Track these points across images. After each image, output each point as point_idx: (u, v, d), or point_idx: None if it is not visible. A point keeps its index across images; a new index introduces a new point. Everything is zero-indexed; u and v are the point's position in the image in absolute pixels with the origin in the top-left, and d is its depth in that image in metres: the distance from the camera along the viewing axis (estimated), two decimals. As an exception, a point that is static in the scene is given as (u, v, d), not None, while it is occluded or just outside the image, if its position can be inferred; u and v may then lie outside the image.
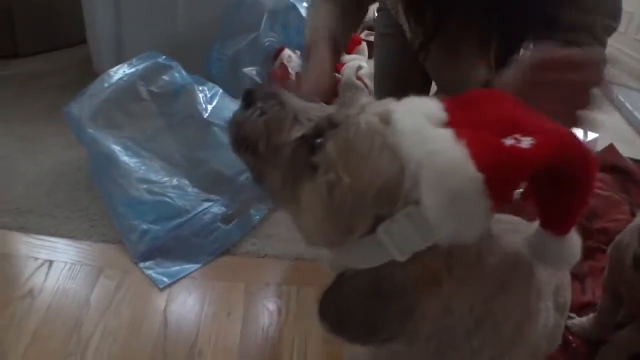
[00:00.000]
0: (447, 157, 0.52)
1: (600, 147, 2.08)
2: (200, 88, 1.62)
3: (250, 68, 1.95)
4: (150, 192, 1.43)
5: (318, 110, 0.64)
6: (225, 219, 1.47)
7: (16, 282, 1.26)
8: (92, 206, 1.51)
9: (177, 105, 1.58)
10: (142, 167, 1.47)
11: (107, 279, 1.30)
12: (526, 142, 0.52)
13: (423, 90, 1.51)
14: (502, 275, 0.65)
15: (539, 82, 0.75)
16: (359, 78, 1.98)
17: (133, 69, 1.60)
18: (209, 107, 1.58)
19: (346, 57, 2.13)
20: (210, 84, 1.67)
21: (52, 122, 1.84)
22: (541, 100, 0.66)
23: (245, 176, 1.51)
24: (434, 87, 1.61)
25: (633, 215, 1.77)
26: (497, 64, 1.21)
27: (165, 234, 1.38)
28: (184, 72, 1.63)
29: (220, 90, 1.67)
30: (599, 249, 1.54)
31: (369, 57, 2.15)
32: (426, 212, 0.52)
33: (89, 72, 2.05)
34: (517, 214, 0.85)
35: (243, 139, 0.65)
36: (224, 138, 1.51)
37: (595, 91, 0.79)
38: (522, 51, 1.11)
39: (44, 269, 1.31)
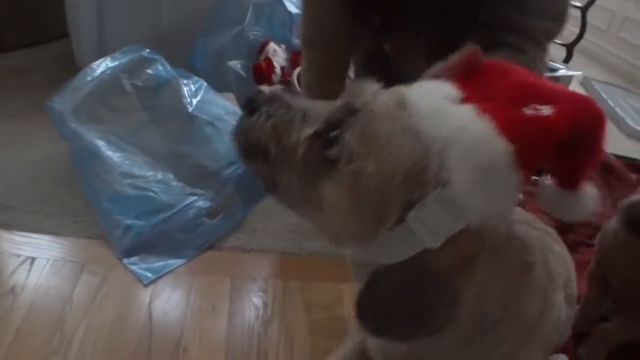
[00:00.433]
0: (474, 132, 0.51)
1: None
2: (185, 82, 1.61)
3: (235, 62, 1.93)
4: (134, 186, 1.41)
5: (326, 106, 0.62)
6: (211, 213, 1.46)
7: (-2, 279, 1.24)
8: (75, 202, 1.49)
9: (161, 99, 1.57)
10: (126, 162, 1.46)
11: (91, 275, 1.28)
12: (546, 110, 0.53)
13: None
14: (526, 259, 0.65)
15: None
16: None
17: (116, 63, 1.58)
18: (194, 101, 1.57)
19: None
20: (195, 78, 1.66)
21: (34, 117, 1.81)
22: None
23: (231, 170, 1.50)
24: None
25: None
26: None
27: (150, 229, 1.37)
28: (168, 66, 1.62)
29: (205, 84, 1.66)
30: (583, 243, 1.55)
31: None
32: (457, 192, 0.51)
33: (71, 67, 2.02)
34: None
35: (252, 146, 0.62)
36: (209, 132, 1.51)
37: None
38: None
39: (26, 265, 1.29)
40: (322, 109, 0.61)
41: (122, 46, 1.66)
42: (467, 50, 0.62)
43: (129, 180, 1.42)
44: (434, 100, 0.55)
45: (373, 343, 0.82)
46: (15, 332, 1.12)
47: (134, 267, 1.31)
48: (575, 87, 2.90)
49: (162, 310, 1.22)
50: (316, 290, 1.32)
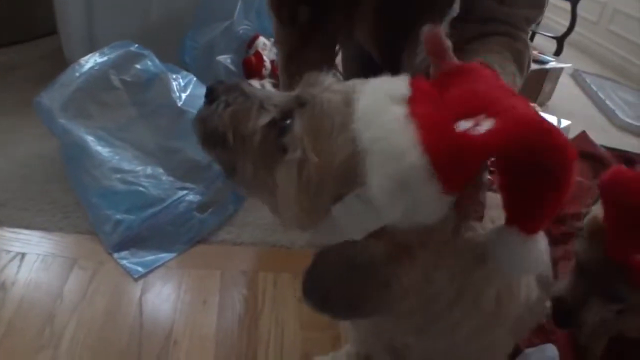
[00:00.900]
0: (390, 142, 0.52)
1: (572, 134, 2.11)
2: (174, 76, 1.60)
3: (224, 56, 1.93)
4: (123, 181, 1.41)
5: (282, 96, 0.64)
6: (201, 207, 1.46)
7: (-12, 275, 1.24)
8: (65, 198, 1.49)
9: (151, 94, 1.56)
10: (115, 157, 1.45)
11: (81, 270, 1.28)
12: (484, 126, 0.51)
13: None
14: (483, 249, 0.65)
15: None
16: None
17: (105, 58, 1.58)
18: (183, 96, 1.57)
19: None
20: (184, 72, 1.66)
21: (23, 114, 1.80)
22: None
23: (220, 165, 1.50)
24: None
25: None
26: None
27: (140, 224, 1.36)
28: (157, 61, 1.61)
29: (194, 79, 1.65)
30: (572, 234, 1.56)
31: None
32: (373, 194, 0.52)
33: (61, 63, 2.01)
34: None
35: (211, 133, 0.65)
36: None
37: None
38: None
39: (17, 261, 1.29)
40: (279, 98, 0.64)
41: (111, 42, 1.65)
42: (429, 32, 0.62)
43: (118, 175, 1.41)
44: (374, 101, 0.56)
45: (347, 323, 0.83)
46: (5, 327, 1.12)
47: (125, 262, 1.31)
48: (565, 80, 2.91)
49: (152, 304, 1.22)
50: (307, 283, 1.32)
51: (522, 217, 0.60)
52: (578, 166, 0.55)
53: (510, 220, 0.61)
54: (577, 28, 3.27)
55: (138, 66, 1.58)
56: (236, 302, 1.26)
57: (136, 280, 1.28)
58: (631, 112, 2.73)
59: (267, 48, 1.99)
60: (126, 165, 1.44)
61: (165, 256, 1.35)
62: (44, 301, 1.19)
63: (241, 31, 1.97)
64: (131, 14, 1.98)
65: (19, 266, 1.27)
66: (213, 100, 0.65)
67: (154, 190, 1.42)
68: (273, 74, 1.99)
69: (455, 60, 0.64)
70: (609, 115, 2.71)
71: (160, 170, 1.48)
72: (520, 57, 1.02)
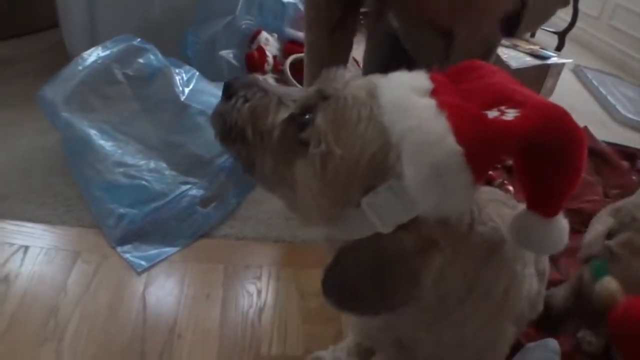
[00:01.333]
0: (426, 130, 0.53)
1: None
2: (177, 71, 1.60)
3: (226, 51, 1.93)
4: (126, 175, 1.41)
5: (300, 92, 0.65)
6: (204, 202, 1.46)
7: (-9, 268, 1.24)
8: (68, 191, 1.49)
9: (153, 88, 1.57)
10: (118, 151, 1.46)
11: (84, 264, 1.29)
12: (511, 114, 0.53)
13: None
14: (491, 243, 0.66)
15: None
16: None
17: (107, 52, 1.58)
18: (186, 90, 1.57)
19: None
20: (187, 67, 1.66)
21: (26, 108, 1.80)
22: None
23: (224, 159, 1.50)
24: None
25: (606, 196, 1.81)
26: None
27: (143, 218, 1.37)
28: (159, 55, 1.61)
29: (197, 73, 1.65)
30: (573, 229, 1.56)
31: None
32: (407, 185, 0.53)
33: (63, 57, 2.01)
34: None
35: (230, 129, 0.64)
36: (201, 121, 1.51)
37: None
38: None
39: (20, 254, 1.29)
40: (297, 94, 0.64)
41: (113, 35, 1.65)
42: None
43: (121, 169, 1.42)
44: (401, 92, 0.57)
45: (351, 318, 0.84)
46: (9, 320, 1.12)
47: (128, 256, 1.31)
48: (567, 75, 2.91)
49: (155, 298, 1.23)
50: (310, 277, 1.33)
51: (543, 201, 0.63)
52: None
53: (532, 205, 0.64)
54: (578, 23, 3.26)
55: (141, 60, 1.58)
56: (239, 296, 1.26)
57: (139, 274, 1.28)
58: (632, 107, 2.73)
59: (269, 43, 1.99)
60: (129, 159, 1.45)
61: (168, 250, 1.35)
62: (48, 294, 1.20)
63: (243, 26, 1.97)
64: (133, 7, 1.98)
65: (22, 259, 1.28)
66: (231, 96, 0.65)
67: (157, 185, 1.42)
68: (275, 69, 1.99)
69: None
70: (610, 110, 2.71)
71: (164, 165, 1.48)
72: None
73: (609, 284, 1.06)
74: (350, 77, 0.61)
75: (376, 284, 0.56)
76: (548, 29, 3.28)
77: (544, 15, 1.34)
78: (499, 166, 1.76)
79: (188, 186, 1.46)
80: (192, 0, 1.99)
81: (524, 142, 0.54)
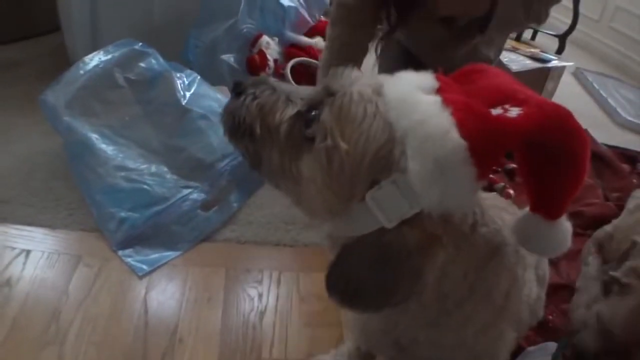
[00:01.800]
0: (431, 125, 0.54)
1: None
2: (178, 75, 1.61)
3: (228, 55, 1.93)
4: (128, 179, 1.41)
5: (308, 90, 0.66)
6: (205, 205, 1.47)
7: (-7, 272, 1.24)
8: (69, 195, 1.49)
9: (155, 92, 1.57)
10: (120, 155, 1.46)
11: (86, 268, 1.29)
12: (514, 111, 0.54)
13: None
14: (493, 245, 0.67)
15: None
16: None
17: (109, 56, 1.58)
18: (187, 94, 1.57)
19: (323, 44, 2.13)
20: (188, 71, 1.67)
21: (27, 111, 1.81)
22: None
23: (225, 163, 1.51)
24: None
25: (607, 199, 1.81)
26: None
27: (144, 222, 1.37)
28: (161, 59, 1.62)
29: (198, 77, 1.66)
30: (575, 233, 1.57)
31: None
32: (412, 180, 0.54)
33: (64, 60, 2.01)
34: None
35: (238, 125, 0.66)
36: (203, 125, 1.52)
37: None
38: None
39: (22, 258, 1.29)
40: (305, 91, 0.65)
41: (114, 39, 1.65)
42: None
43: (123, 173, 1.42)
44: (405, 90, 0.58)
45: (351, 320, 0.84)
46: (11, 324, 1.12)
47: (129, 259, 1.32)
48: (567, 78, 2.91)
49: (157, 302, 1.23)
50: (311, 281, 1.33)
51: (546, 202, 0.64)
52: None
53: (535, 207, 0.65)
54: (579, 26, 3.26)
55: (142, 64, 1.59)
56: (240, 299, 1.27)
57: (141, 278, 1.28)
58: (633, 110, 2.73)
59: (270, 47, 1.99)
60: (131, 164, 1.45)
61: (169, 254, 1.35)
62: (49, 298, 1.20)
63: (245, 30, 1.97)
64: (134, 11, 1.98)
65: (24, 263, 1.28)
66: (240, 94, 0.66)
67: (159, 189, 1.42)
68: (276, 73, 2.00)
69: None
70: (611, 113, 2.71)
71: (165, 169, 1.48)
72: None
73: None
74: (356, 76, 0.62)
75: (380, 279, 0.57)
76: (548, 31, 3.28)
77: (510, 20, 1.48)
78: (500, 170, 1.77)
79: (189, 190, 1.47)
80: (194, 4, 1.99)
81: (526, 139, 0.55)
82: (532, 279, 0.86)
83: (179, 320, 1.19)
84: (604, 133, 2.40)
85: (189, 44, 1.96)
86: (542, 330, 1.22)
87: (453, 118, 0.53)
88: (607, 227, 1.37)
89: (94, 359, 1.09)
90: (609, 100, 2.79)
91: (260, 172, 0.68)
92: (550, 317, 1.27)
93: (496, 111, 0.55)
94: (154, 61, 1.61)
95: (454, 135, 0.52)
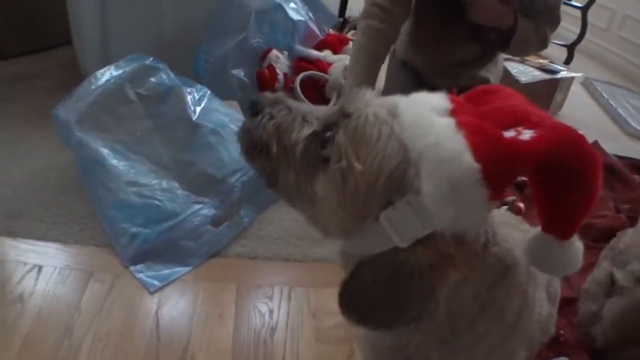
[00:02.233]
0: (445, 147, 0.54)
1: (585, 144, 2.10)
2: (189, 90, 1.62)
3: (238, 69, 1.94)
4: (139, 195, 1.42)
5: (324, 110, 0.67)
6: (215, 221, 1.47)
7: (5, 287, 1.25)
8: (81, 210, 1.50)
9: (165, 107, 1.58)
10: (131, 170, 1.47)
11: (98, 283, 1.30)
12: (527, 134, 0.55)
13: None
14: (505, 264, 0.67)
15: None
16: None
17: (120, 71, 1.59)
18: (197, 109, 1.58)
19: (333, 57, 2.14)
20: (199, 86, 1.67)
21: (38, 125, 1.82)
22: None
23: (235, 178, 1.51)
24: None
25: (618, 211, 1.80)
26: None
27: (155, 237, 1.38)
28: (171, 74, 1.63)
29: (209, 92, 1.67)
30: (586, 246, 1.56)
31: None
32: (425, 201, 0.54)
33: (75, 74, 2.03)
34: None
35: (255, 144, 0.66)
36: (213, 140, 1.52)
37: None
38: None
39: (34, 273, 1.30)
40: (320, 112, 0.66)
41: (125, 54, 1.67)
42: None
43: (134, 189, 1.43)
44: (420, 111, 0.59)
45: (361, 337, 0.85)
46: (23, 339, 1.13)
47: (141, 275, 1.32)
48: (576, 88, 2.90)
49: (169, 318, 1.23)
50: (322, 296, 1.33)
51: (558, 223, 0.64)
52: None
53: (547, 227, 0.65)
54: (587, 35, 3.26)
55: (153, 79, 1.60)
56: (252, 315, 1.27)
57: (152, 293, 1.29)
58: (642, 119, 2.72)
59: (279, 61, 2.00)
60: (142, 179, 1.46)
61: (180, 270, 1.36)
62: (62, 314, 1.20)
63: (254, 44, 1.98)
64: (145, 27, 2.00)
65: (36, 278, 1.29)
66: (257, 113, 0.67)
67: (169, 204, 1.43)
68: (286, 87, 2.00)
69: None
70: (621, 123, 2.70)
71: (176, 184, 1.49)
72: None
73: None
74: (371, 97, 0.63)
75: (392, 297, 0.57)
76: (557, 41, 3.28)
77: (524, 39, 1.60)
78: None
79: (200, 205, 1.47)
80: (204, 19, 2.01)
81: (539, 161, 0.55)
82: (543, 297, 0.85)
83: (190, 336, 1.19)
84: (614, 143, 2.39)
85: (199, 58, 1.98)
86: (554, 345, 1.22)
87: (466, 141, 0.54)
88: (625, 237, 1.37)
89: (106, 376, 1.09)
90: (619, 110, 2.79)
91: (276, 190, 0.69)
92: (562, 331, 1.26)
93: (509, 133, 0.55)
94: (165, 76, 1.62)
95: (468, 158, 0.53)
